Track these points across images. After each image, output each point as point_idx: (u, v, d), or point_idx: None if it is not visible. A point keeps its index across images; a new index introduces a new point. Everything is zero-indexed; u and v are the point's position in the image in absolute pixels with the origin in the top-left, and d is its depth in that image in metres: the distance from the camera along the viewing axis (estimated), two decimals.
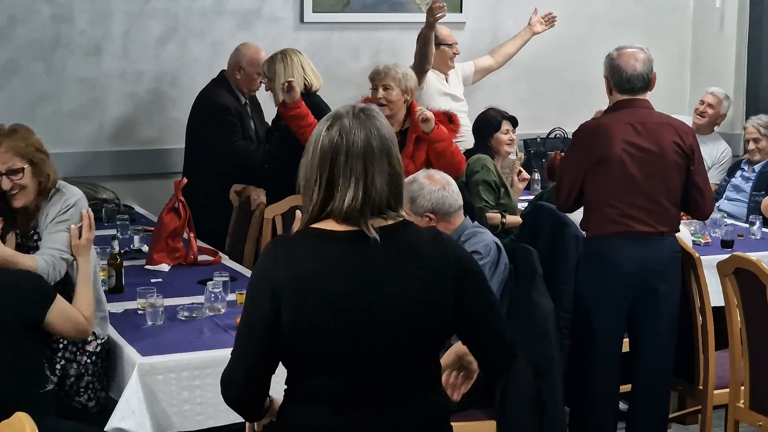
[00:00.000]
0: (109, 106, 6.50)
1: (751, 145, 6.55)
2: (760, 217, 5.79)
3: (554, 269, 4.40)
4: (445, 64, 6.52)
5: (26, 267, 3.61)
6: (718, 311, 4.46)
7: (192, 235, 5.03)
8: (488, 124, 5.78)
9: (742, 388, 4.27)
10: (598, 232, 4.37)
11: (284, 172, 5.48)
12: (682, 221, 4.55)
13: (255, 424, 2.63)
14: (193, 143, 6.07)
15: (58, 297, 3.58)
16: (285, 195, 5.42)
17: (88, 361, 3.81)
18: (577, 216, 4.52)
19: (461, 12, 7.13)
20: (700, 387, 4.50)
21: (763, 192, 6.27)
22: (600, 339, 4.38)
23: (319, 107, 5.45)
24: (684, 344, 4.46)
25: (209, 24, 6.65)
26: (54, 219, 3.76)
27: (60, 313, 3.57)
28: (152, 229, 5.25)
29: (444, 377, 2.66)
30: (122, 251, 4.75)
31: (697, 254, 4.48)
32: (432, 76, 6.39)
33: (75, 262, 3.75)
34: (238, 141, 5.87)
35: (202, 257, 5.06)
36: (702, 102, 6.97)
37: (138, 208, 6.28)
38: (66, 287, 3.72)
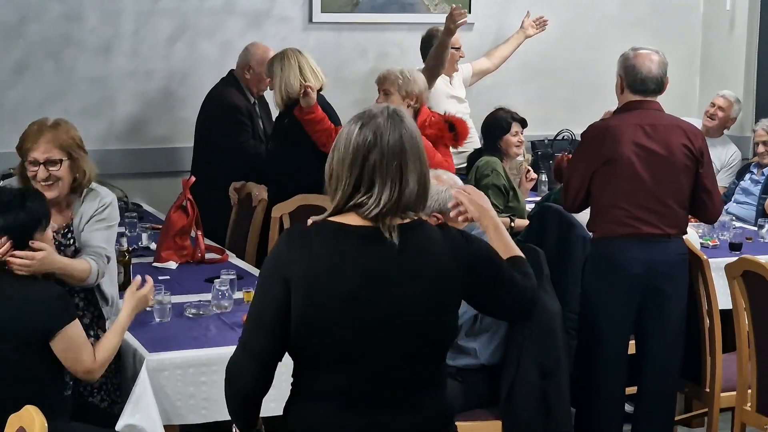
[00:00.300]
0: (118, 104, 6.52)
1: (761, 148, 6.54)
2: None
3: (561, 270, 4.39)
4: (451, 66, 6.52)
5: (81, 271, 3.66)
6: (726, 314, 4.46)
7: (199, 233, 5.05)
8: (498, 125, 5.76)
9: (749, 391, 4.27)
10: (605, 233, 4.36)
11: (286, 171, 5.52)
12: (689, 223, 4.54)
13: None
14: (202, 142, 6.09)
15: (75, 324, 3.46)
16: (287, 193, 5.44)
17: None
18: (584, 217, 4.51)
19: (470, 12, 7.12)
20: (707, 390, 4.49)
21: None
22: (606, 340, 4.38)
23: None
24: (691, 347, 4.46)
25: (219, 24, 6.67)
26: (92, 218, 3.80)
27: (68, 341, 3.42)
28: (160, 227, 5.27)
29: None
30: (130, 249, 4.77)
31: (705, 256, 4.47)
32: (439, 80, 6.39)
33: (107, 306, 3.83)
34: (249, 140, 5.89)
35: (209, 255, 5.07)
36: (712, 104, 6.96)
37: (146, 206, 6.30)
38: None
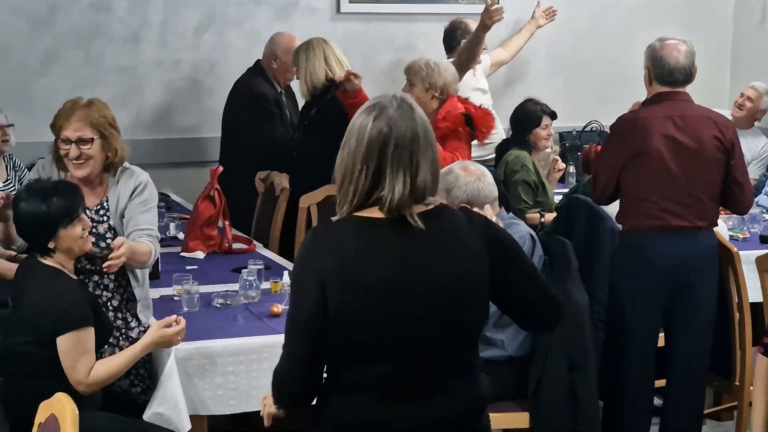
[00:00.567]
0: (146, 94, 6.54)
1: None
2: None
3: (589, 262, 4.37)
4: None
5: (144, 254, 3.68)
6: (756, 307, 4.43)
7: (227, 223, 5.06)
8: (528, 118, 5.71)
9: None
10: (634, 225, 4.34)
11: (311, 161, 5.51)
12: (720, 216, 4.51)
13: (275, 409, 2.62)
14: (229, 132, 6.09)
15: (86, 332, 3.44)
16: (312, 182, 5.43)
17: None
18: (612, 209, 4.49)
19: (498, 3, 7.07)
20: (737, 383, 4.46)
21: None
22: (635, 333, 4.35)
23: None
24: (720, 340, 4.43)
25: (247, 14, 6.67)
26: (132, 199, 3.81)
27: (72, 344, 3.40)
28: (188, 216, 5.28)
29: None
30: (158, 238, 4.77)
31: (735, 249, 4.44)
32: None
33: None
34: (277, 129, 5.89)
35: (236, 245, 5.08)
36: (742, 95, 6.90)
37: (174, 196, 6.33)
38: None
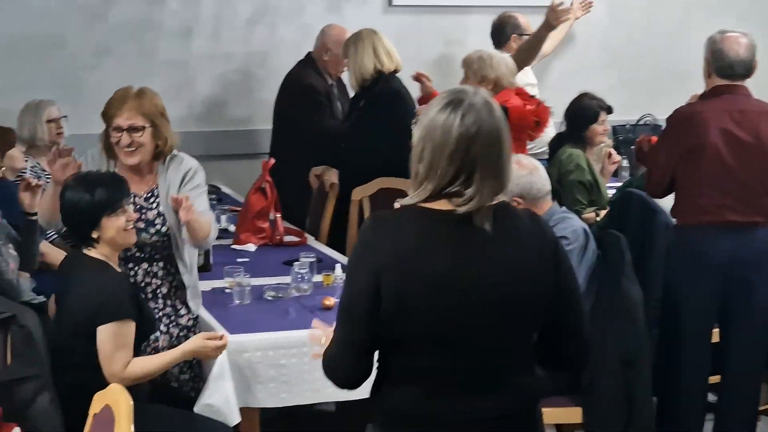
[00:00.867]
0: (198, 87, 6.57)
1: None
2: None
3: (643, 257, 4.34)
4: None
5: (206, 222, 3.78)
6: None
7: (278, 215, 5.06)
8: (584, 114, 5.61)
9: None
10: (689, 220, 4.29)
11: (360, 153, 5.49)
12: None
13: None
14: (280, 124, 6.10)
15: (127, 325, 3.44)
16: (360, 174, 5.42)
17: (180, 334, 3.84)
18: (666, 203, 4.44)
19: None
20: None
21: None
22: (689, 329, 4.31)
23: (393, 92, 5.40)
24: None
25: (299, 6, 6.68)
26: (183, 185, 3.85)
27: (111, 335, 3.40)
28: (239, 209, 5.29)
29: None
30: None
31: None
32: None
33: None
34: (326, 120, 5.88)
35: (288, 238, 5.09)
36: None
37: (225, 188, 6.35)
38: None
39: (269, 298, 4.11)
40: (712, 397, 4.54)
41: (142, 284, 3.83)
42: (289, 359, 3.64)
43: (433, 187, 2.40)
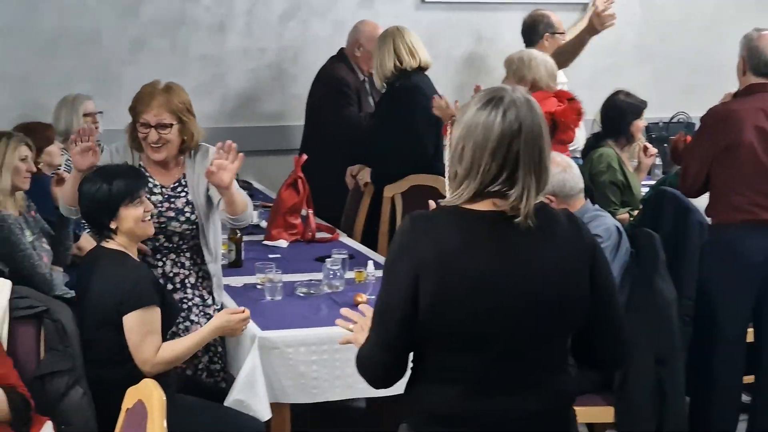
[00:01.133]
0: (231, 82, 6.59)
1: None
2: None
3: (677, 255, 4.31)
4: None
5: (243, 195, 3.84)
6: None
7: (310, 211, 5.06)
8: (627, 111, 5.53)
9: None
10: (723, 219, 4.27)
11: (388, 149, 5.48)
12: None
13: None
14: (312, 119, 6.10)
15: (153, 311, 3.45)
16: (388, 171, 5.41)
17: None
18: (700, 202, 4.42)
19: None
20: None
21: None
22: (723, 329, 4.29)
23: (410, 87, 5.38)
24: None
25: (331, 2, 6.68)
26: None
27: (138, 322, 3.41)
28: (271, 205, 5.30)
29: None
30: None
31: None
32: None
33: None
34: (354, 113, 5.87)
35: (320, 234, 5.09)
36: None
37: (256, 184, 6.36)
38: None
39: (301, 294, 4.11)
40: (746, 398, 4.51)
41: (171, 275, 3.86)
42: (321, 355, 3.64)
43: (476, 187, 2.38)
